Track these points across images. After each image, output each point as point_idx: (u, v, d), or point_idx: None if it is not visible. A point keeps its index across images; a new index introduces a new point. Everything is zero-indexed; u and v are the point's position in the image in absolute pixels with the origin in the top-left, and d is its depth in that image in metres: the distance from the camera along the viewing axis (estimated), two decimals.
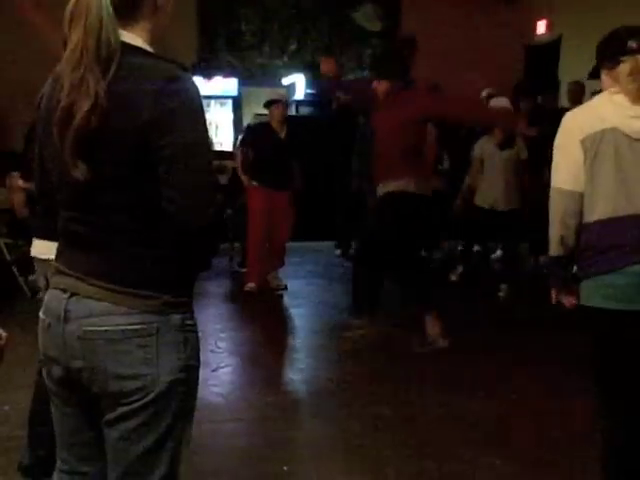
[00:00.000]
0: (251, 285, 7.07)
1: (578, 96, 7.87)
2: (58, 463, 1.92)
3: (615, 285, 2.58)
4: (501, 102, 6.96)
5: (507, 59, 10.21)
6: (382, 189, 5.26)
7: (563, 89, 8.94)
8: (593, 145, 2.59)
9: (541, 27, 10.12)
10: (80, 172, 1.65)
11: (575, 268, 2.78)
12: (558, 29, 9.69)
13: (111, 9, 1.63)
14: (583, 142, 2.60)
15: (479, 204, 6.91)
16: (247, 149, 7.23)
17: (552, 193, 2.72)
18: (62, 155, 1.65)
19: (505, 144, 6.77)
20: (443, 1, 10.23)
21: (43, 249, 2.96)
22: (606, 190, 2.60)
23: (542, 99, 8.76)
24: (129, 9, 1.69)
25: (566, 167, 2.66)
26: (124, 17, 1.68)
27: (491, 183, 6.78)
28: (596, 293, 2.63)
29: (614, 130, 2.57)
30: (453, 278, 7.12)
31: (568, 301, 2.85)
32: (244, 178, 7.18)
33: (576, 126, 2.64)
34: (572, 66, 9.11)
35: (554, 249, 2.77)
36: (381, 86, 5.32)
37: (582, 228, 2.68)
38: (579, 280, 2.73)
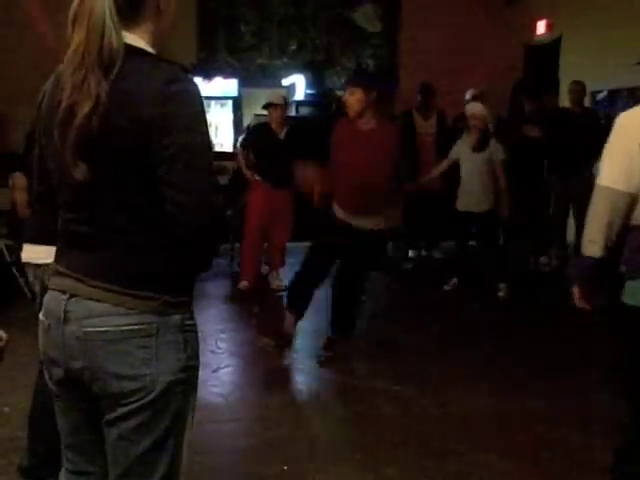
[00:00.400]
0: (244, 284, 7.07)
1: (579, 96, 7.88)
2: (64, 462, 1.93)
3: None
4: (475, 108, 7.00)
5: (507, 59, 10.21)
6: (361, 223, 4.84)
7: (562, 89, 8.95)
8: None
9: (541, 27, 10.11)
10: (80, 172, 1.66)
11: (623, 268, 2.70)
12: (558, 29, 9.69)
13: (114, 11, 1.64)
14: None
15: (460, 208, 6.93)
16: (247, 151, 7.25)
17: (600, 192, 2.64)
18: (63, 155, 1.66)
19: (479, 147, 6.79)
20: (443, 1, 10.22)
21: (35, 254, 2.95)
22: None
23: (543, 99, 8.77)
24: (132, 11, 1.70)
25: (620, 167, 2.59)
26: (127, 19, 1.69)
27: (468, 186, 6.80)
28: None
29: None
30: (447, 288, 7.12)
31: (589, 303, 2.80)
32: (248, 173, 7.19)
33: (633, 128, 2.59)
34: (572, 66, 9.11)
35: (597, 250, 2.67)
36: (354, 96, 4.77)
37: (636, 228, 2.63)
38: (621, 279, 2.66)
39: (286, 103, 7.31)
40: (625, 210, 2.61)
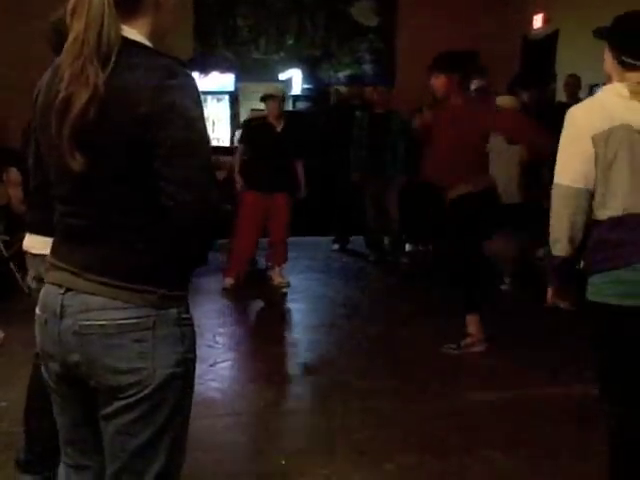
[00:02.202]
0: (229, 281, 6.94)
1: (575, 89, 7.88)
2: (63, 457, 1.93)
3: (626, 281, 2.55)
4: (504, 101, 6.88)
5: (504, 52, 10.20)
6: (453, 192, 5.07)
7: (559, 83, 8.95)
8: (605, 142, 2.53)
9: (538, 21, 10.11)
10: (77, 163, 1.65)
11: (582, 264, 2.73)
12: (555, 23, 9.69)
13: (112, 3, 1.64)
14: (594, 139, 2.53)
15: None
16: (244, 148, 7.15)
17: (559, 191, 2.63)
18: (60, 146, 1.66)
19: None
20: None
21: (36, 244, 2.96)
22: (620, 187, 2.56)
23: (540, 92, 8.76)
24: (130, 4, 1.70)
25: (575, 164, 2.58)
26: (125, 12, 1.69)
27: (499, 177, 6.70)
28: (606, 288, 2.59)
29: (623, 127, 2.52)
30: None
31: (565, 304, 2.82)
32: (238, 179, 7.04)
33: (585, 122, 2.58)
34: (569, 60, 9.11)
35: (562, 249, 2.67)
36: (438, 80, 5.05)
37: (594, 224, 2.63)
38: (583, 276, 2.67)
39: (283, 96, 7.22)
40: (587, 207, 2.60)
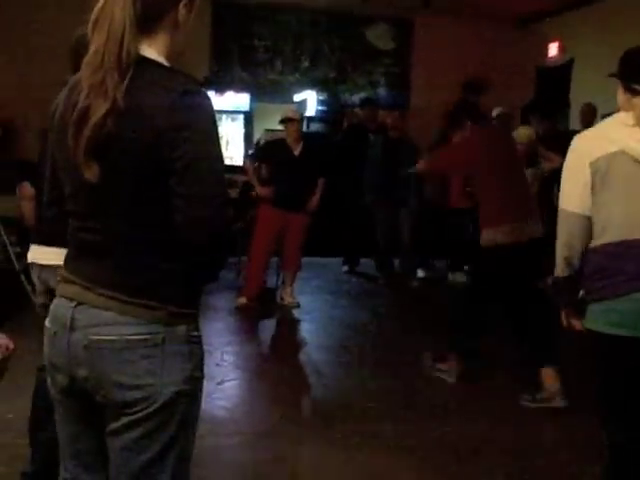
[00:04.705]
0: (242, 301, 6.91)
1: (590, 118, 7.88)
2: (62, 472, 1.92)
3: (619, 311, 2.55)
4: (517, 133, 6.79)
5: (519, 81, 10.23)
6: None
7: (574, 111, 8.95)
8: (602, 168, 2.56)
9: (553, 49, 10.14)
10: (92, 173, 1.66)
11: (582, 292, 2.75)
12: (570, 52, 9.71)
13: (134, 19, 1.66)
14: (592, 165, 2.57)
15: None
16: (260, 165, 7.21)
17: (560, 214, 2.71)
18: (75, 156, 1.67)
19: (529, 162, 6.62)
20: (455, 22, 10.26)
21: (42, 255, 2.99)
22: (615, 214, 2.58)
23: (553, 121, 8.76)
24: (150, 22, 1.72)
25: (574, 190, 2.64)
26: (145, 29, 1.71)
27: None
28: (601, 318, 2.60)
29: (623, 153, 2.55)
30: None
31: (576, 324, 2.82)
32: (258, 189, 7.01)
33: (585, 149, 2.63)
34: (583, 89, 9.12)
35: (559, 270, 2.77)
36: (465, 132, 5.03)
37: (589, 251, 2.66)
38: (586, 303, 2.69)
39: (302, 118, 7.26)
40: (584, 232, 2.65)
